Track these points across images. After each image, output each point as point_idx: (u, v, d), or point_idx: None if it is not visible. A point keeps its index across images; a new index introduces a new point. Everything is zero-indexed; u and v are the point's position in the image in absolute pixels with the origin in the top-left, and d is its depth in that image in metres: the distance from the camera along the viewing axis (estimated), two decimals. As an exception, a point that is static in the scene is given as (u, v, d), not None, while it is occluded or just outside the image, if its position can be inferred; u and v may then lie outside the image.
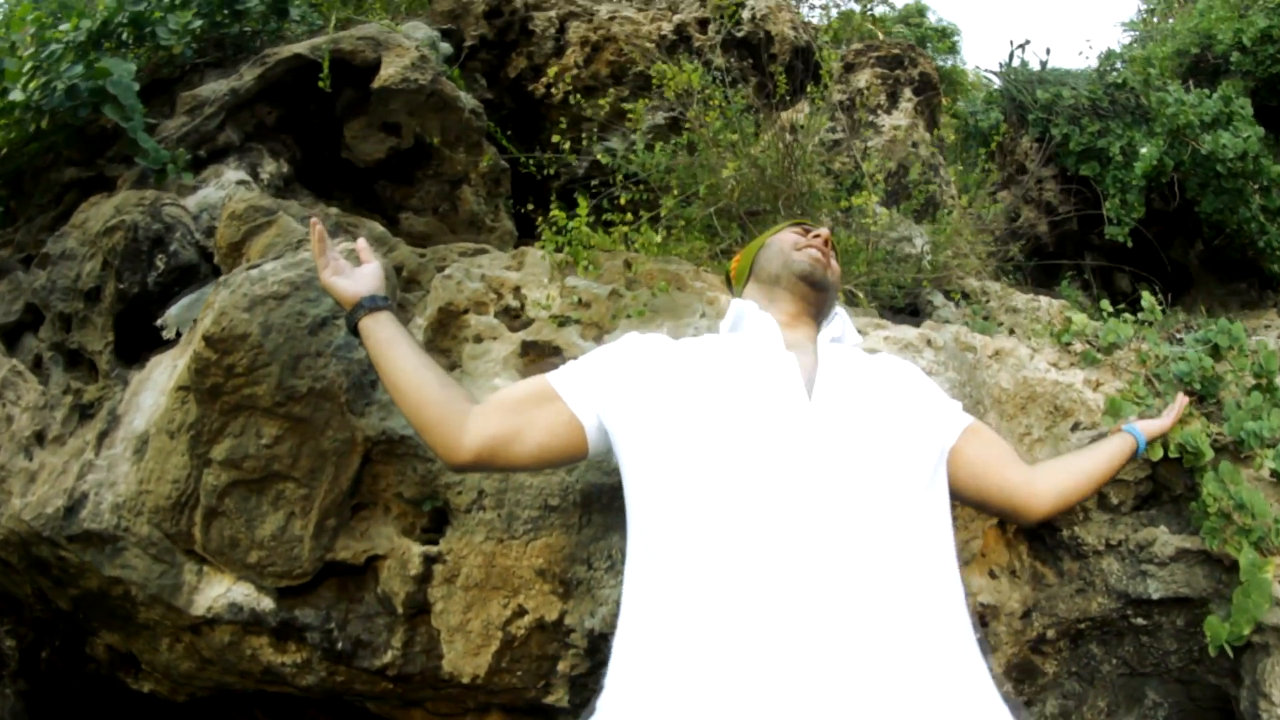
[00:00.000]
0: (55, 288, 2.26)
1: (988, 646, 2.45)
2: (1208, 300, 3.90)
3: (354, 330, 1.40)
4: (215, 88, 2.56)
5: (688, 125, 2.24)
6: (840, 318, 1.56)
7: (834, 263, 1.56)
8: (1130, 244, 3.52)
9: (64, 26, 2.70)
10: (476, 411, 1.29)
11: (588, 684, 1.69)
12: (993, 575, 2.42)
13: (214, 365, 1.63)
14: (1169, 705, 2.75)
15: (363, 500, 1.69)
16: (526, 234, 2.25)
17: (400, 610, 1.65)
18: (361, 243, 1.55)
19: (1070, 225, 3.82)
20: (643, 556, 1.15)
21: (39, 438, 2.09)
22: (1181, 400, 2.06)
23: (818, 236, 1.54)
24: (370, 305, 1.38)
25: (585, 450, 1.30)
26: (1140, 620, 2.60)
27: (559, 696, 1.69)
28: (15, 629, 2.46)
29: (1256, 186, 3.41)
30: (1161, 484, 2.53)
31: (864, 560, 1.03)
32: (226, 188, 2.26)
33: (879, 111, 3.11)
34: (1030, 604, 2.42)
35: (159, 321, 2.00)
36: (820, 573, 1.01)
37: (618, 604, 1.46)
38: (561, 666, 1.67)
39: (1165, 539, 2.34)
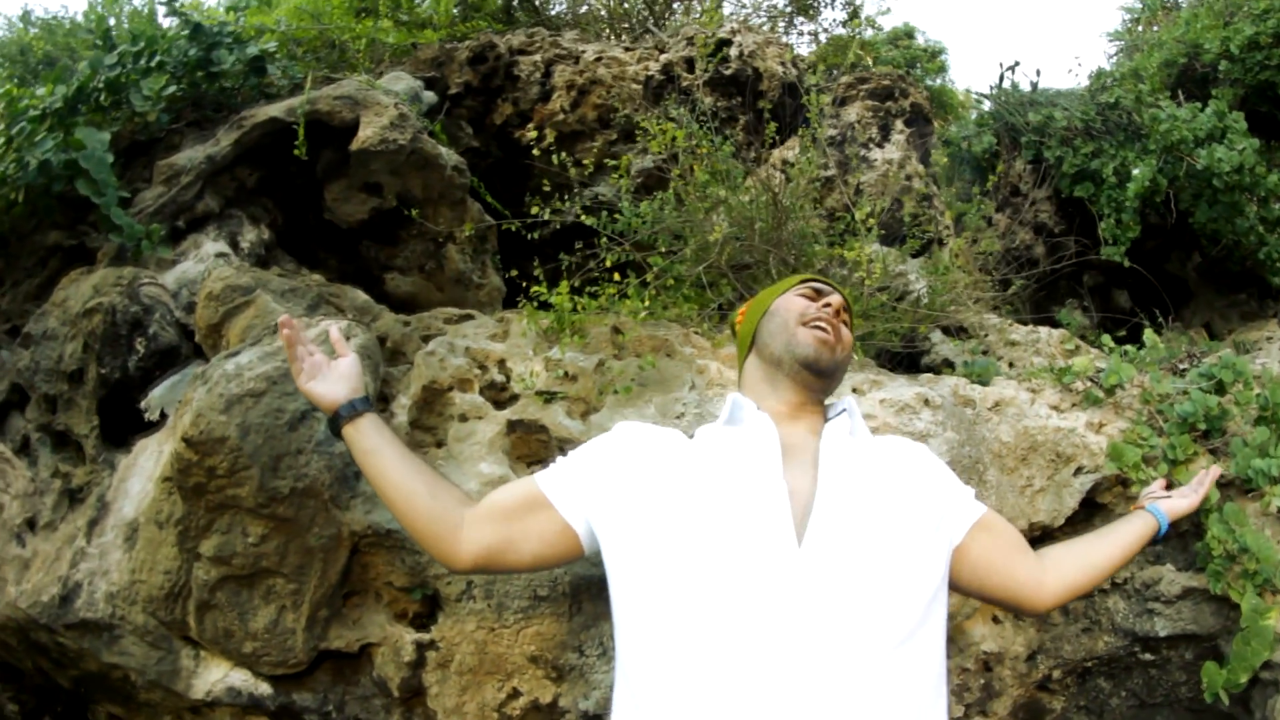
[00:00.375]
0: (39, 368, 2.26)
1: (993, 691, 2.44)
2: (1207, 312, 3.88)
3: (336, 434, 1.40)
4: (192, 155, 2.56)
5: (674, 178, 2.23)
6: (849, 401, 1.45)
7: (845, 334, 1.45)
8: (1127, 264, 3.51)
9: (40, 92, 2.71)
10: (470, 519, 1.29)
11: (585, 763, 1.69)
12: (996, 621, 2.40)
13: (195, 466, 1.62)
14: None
15: (354, 588, 1.68)
16: (517, 287, 2.25)
17: (396, 693, 1.64)
18: (334, 333, 1.54)
19: (1067, 244, 3.81)
20: (629, 669, 1.14)
21: (30, 524, 2.10)
22: (1213, 473, 1.96)
23: (828, 306, 1.43)
24: (349, 413, 1.37)
25: (580, 553, 1.29)
26: (1148, 656, 2.58)
27: (557, 775, 1.69)
28: (18, 695, 2.47)
29: (1253, 198, 3.40)
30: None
31: (843, 710, 1.02)
32: (205, 261, 2.26)
33: (870, 145, 3.11)
34: (1035, 647, 2.41)
35: (142, 404, 2.00)
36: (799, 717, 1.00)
37: (610, 688, 1.46)
38: (559, 747, 1.67)
39: (1171, 577, 2.32)
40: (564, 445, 1.78)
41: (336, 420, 1.38)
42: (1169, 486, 2.06)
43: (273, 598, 1.63)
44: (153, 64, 2.73)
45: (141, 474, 1.96)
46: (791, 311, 1.44)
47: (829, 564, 1.11)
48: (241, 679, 1.75)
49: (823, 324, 1.40)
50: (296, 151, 2.35)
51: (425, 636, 1.63)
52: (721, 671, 1.03)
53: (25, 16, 4.83)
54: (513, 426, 1.76)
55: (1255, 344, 3.28)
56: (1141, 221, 3.59)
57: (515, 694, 1.63)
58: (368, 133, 2.44)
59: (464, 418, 1.78)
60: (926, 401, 2.09)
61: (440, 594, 1.62)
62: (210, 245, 2.31)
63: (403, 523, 1.31)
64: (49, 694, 2.49)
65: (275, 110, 2.51)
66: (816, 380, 1.39)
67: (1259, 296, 3.93)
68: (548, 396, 1.78)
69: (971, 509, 1.39)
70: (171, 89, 2.62)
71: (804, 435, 1.33)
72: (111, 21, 3.93)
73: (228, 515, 1.64)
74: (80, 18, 5.09)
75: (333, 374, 1.44)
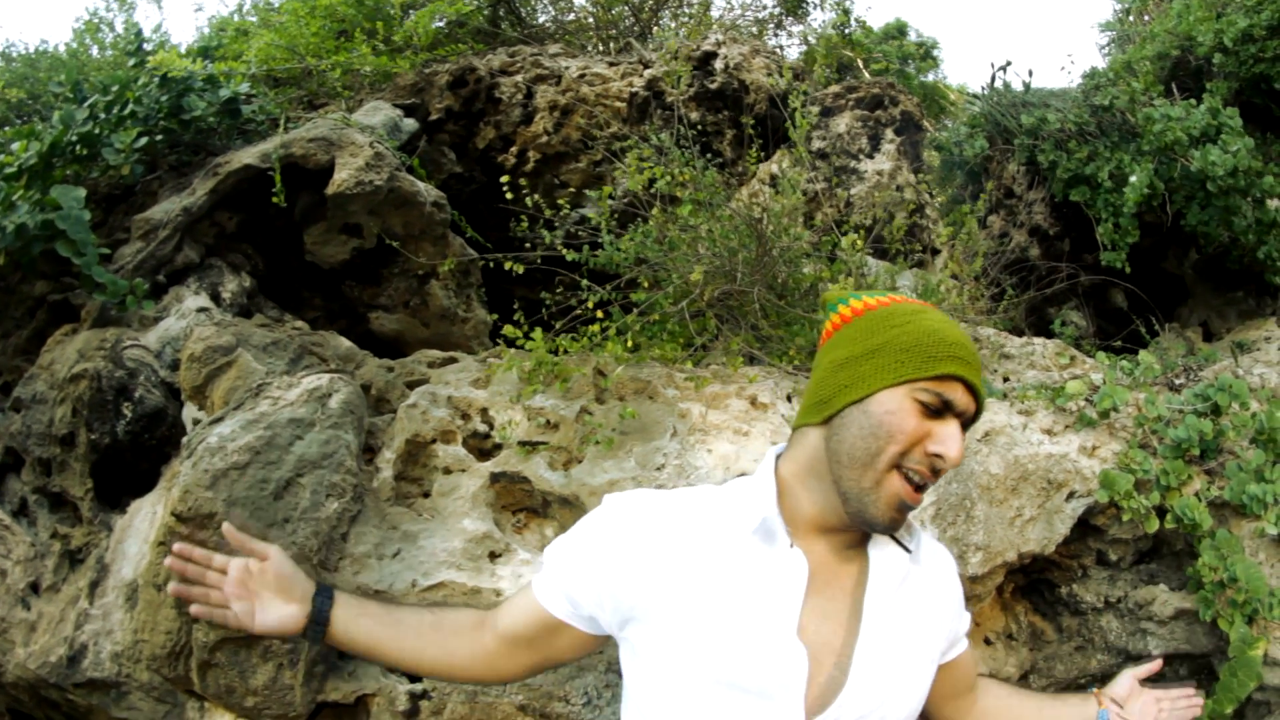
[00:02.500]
0: (31, 433, 2.38)
1: None
2: (1204, 310, 3.93)
3: (318, 642, 1.44)
4: (168, 208, 2.66)
5: (654, 216, 2.33)
6: (916, 534, 1.31)
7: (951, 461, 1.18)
8: (1129, 270, 3.58)
9: (14, 147, 2.82)
10: (502, 652, 1.37)
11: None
12: (988, 642, 2.49)
13: (186, 539, 1.74)
14: None
15: (345, 649, 1.80)
16: (505, 317, 2.35)
17: (393, 745, 1.76)
18: (240, 538, 1.49)
19: (1063, 246, 3.89)
20: None
21: (34, 588, 2.22)
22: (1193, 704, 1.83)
23: (937, 472, 1.18)
24: (319, 622, 1.40)
25: (608, 640, 1.34)
26: None
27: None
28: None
29: (1249, 199, 3.46)
30: (1161, 539, 2.59)
31: None
32: (187, 317, 2.37)
33: (860, 156, 3.19)
34: (1028, 666, 2.49)
35: None
36: None
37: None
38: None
39: (1165, 598, 2.39)
40: (546, 498, 1.89)
41: (314, 634, 1.40)
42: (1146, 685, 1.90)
43: (270, 656, 1.74)
44: (125, 113, 2.82)
45: (137, 535, 2.07)
46: (897, 433, 1.16)
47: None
48: (246, 731, 1.86)
49: (912, 499, 1.18)
50: (275, 199, 2.46)
51: (418, 687, 1.73)
52: None
53: (5, 54, 4.98)
54: (495, 478, 1.86)
55: (1254, 343, 3.34)
56: (1138, 220, 3.65)
57: (509, 743, 1.74)
58: (343, 175, 2.55)
59: (447, 470, 1.88)
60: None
61: (430, 651, 1.74)
62: (191, 300, 2.41)
63: (438, 677, 1.46)
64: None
65: (249, 157, 2.61)
66: (866, 531, 1.24)
67: (1257, 294, 3.99)
68: (529, 447, 1.88)
69: (960, 645, 1.45)
70: (144, 141, 2.72)
71: (841, 556, 1.24)
72: (83, 68, 4.07)
73: (219, 583, 1.75)
74: (62, 48, 5.25)
75: (268, 587, 1.41)
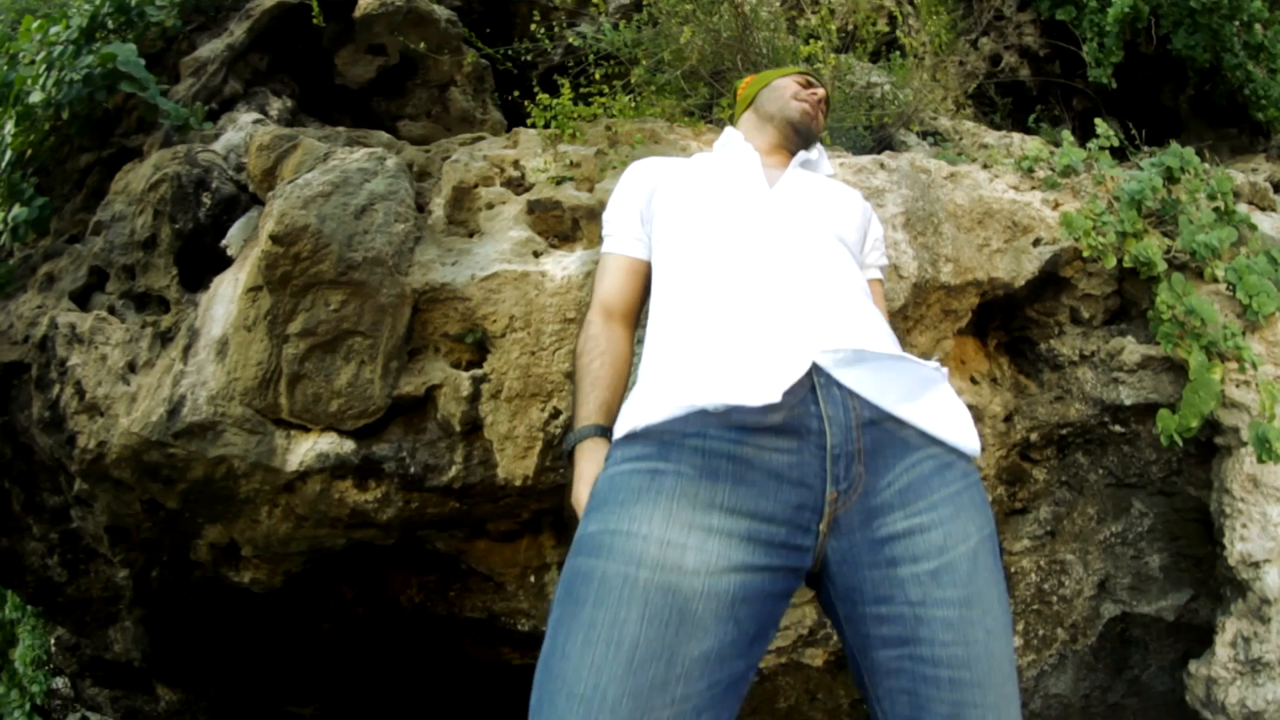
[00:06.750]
0: (114, 246, 2.98)
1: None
2: (1197, 145, 4.47)
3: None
4: (213, 47, 3.28)
5: (648, 2, 2.91)
6: (818, 149, 2.16)
7: (821, 119, 2.14)
8: (1114, 86, 4.09)
9: (55, 29, 3.43)
10: (632, 322, 1.90)
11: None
12: (974, 381, 3.08)
13: (282, 257, 2.33)
14: (1154, 516, 3.41)
15: (416, 345, 2.38)
16: (515, 124, 2.94)
17: (458, 429, 2.35)
18: None
19: (1054, 69, 4.43)
20: (662, 296, 1.78)
21: (131, 366, 2.82)
22: None
23: (814, 93, 2.12)
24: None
25: None
26: (1118, 428, 3.26)
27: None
28: (126, 556, 3.22)
29: (1238, 24, 3.95)
30: (1129, 299, 3.17)
31: (806, 269, 1.67)
32: (245, 129, 2.98)
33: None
34: (1012, 408, 3.09)
35: (223, 242, 2.71)
36: (778, 278, 1.64)
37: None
38: (596, 459, 2.38)
39: (1133, 347, 2.99)
40: (575, 217, 2.48)
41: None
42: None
43: (352, 355, 2.34)
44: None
45: (223, 300, 2.67)
46: (788, 89, 2.13)
47: (791, 199, 1.83)
48: (328, 443, 2.44)
49: (809, 103, 2.10)
50: (315, 20, 3.05)
51: (479, 372, 2.34)
52: (726, 254, 1.70)
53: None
54: (532, 206, 2.46)
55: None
56: (1131, 49, 4.17)
57: (556, 413, 2.34)
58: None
59: (490, 205, 2.49)
60: (883, 165, 2.75)
61: (488, 333, 2.33)
62: (245, 116, 3.02)
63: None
64: (154, 546, 3.23)
65: (281, -5, 3.22)
66: (795, 137, 2.07)
67: (1250, 131, 4.52)
68: (558, 180, 2.48)
69: (879, 261, 2.11)
70: (181, -6, 3.33)
71: (776, 163, 2.03)
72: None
73: (310, 294, 2.34)
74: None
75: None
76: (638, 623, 1.24)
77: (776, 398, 1.39)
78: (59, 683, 4.80)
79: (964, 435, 1.55)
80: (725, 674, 1.29)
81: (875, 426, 1.47)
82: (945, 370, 1.58)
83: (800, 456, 1.41)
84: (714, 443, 1.40)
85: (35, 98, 3.26)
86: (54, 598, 3.57)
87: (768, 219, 1.78)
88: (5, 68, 3.40)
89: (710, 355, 1.51)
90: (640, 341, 1.78)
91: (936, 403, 1.54)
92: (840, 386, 1.47)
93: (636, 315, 1.90)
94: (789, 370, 1.44)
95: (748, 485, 1.38)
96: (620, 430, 1.51)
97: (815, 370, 1.47)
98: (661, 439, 1.42)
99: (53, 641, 4.53)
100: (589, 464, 1.60)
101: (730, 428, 1.41)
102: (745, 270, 1.67)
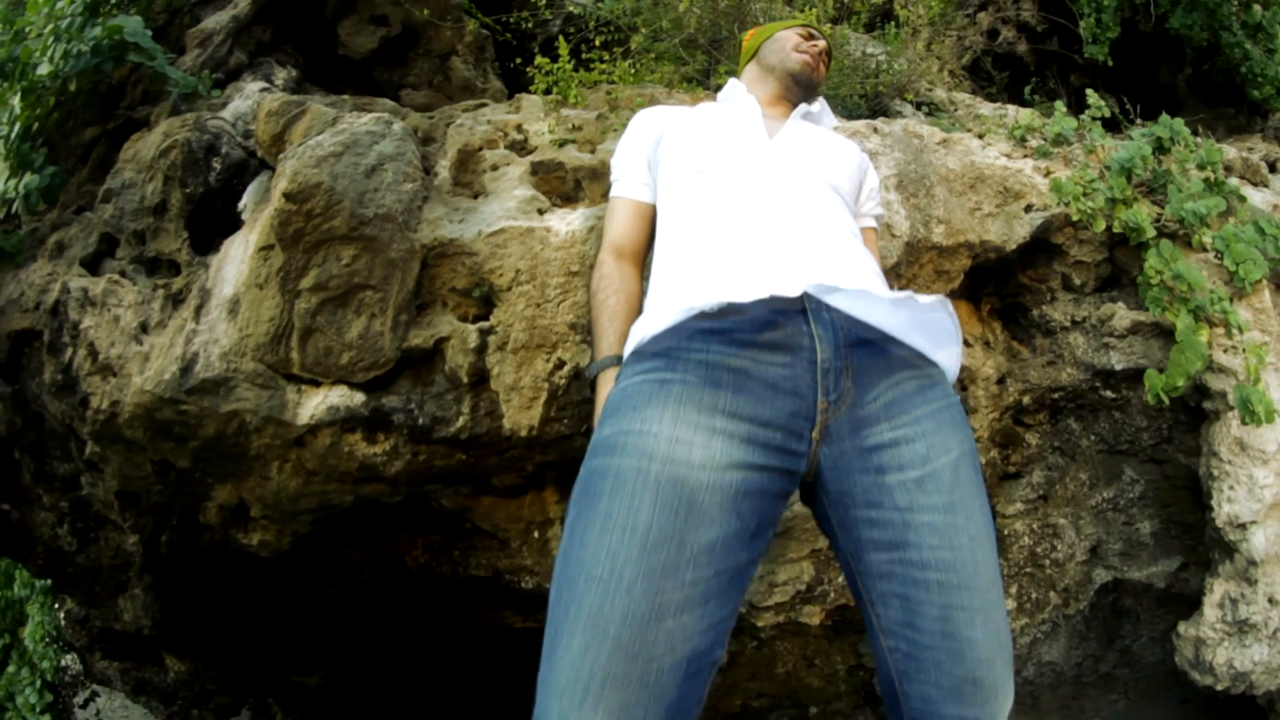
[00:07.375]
0: (124, 213, 3.08)
1: (969, 408, 3.22)
2: (1194, 124, 4.61)
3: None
4: (217, 19, 3.38)
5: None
6: (821, 102, 2.28)
7: (822, 69, 2.24)
8: (1110, 63, 4.20)
9: (61, 4, 3.53)
10: (640, 262, 2.05)
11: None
12: (967, 344, 3.19)
13: (295, 214, 2.43)
14: (1145, 482, 3.53)
15: (425, 300, 2.49)
16: (516, 94, 3.04)
17: (465, 380, 2.45)
18: None
19: (1051, 44, 4.54)
20: (666, 238, 1.91)
21: (144, 327, 2.92)
22: None
23: (815, 45, 2.22)
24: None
25: None
26: (1109, 394, 3.38)
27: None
28: (136, 521, 3.32)
29: (1236, 3, 4.05)
30: (1119, 267, 3.29)
31: (801, 214, 1.80)
32: (252, 97, 3.08)
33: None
34: (1004, 371, 3.21)
35: (239, 205, 2.81)
36: (774, 222, 1.76)
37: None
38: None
39: (1123, 313, 3.11)
40: (578, 178, 2.59)
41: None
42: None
43: (363, 309, 2.44)
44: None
45: (234, 260, 2.77)
46: (789, 41, 2.23)
47: (790, 148, 1.96)
48: (339, 395, 2.54)
49: (810, 55, 2.21)
50: (320, -10, 3.17)
51: (485, 324, 2.45)
52: (728, 193, 1.84)
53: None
54: (536, 167, 2.56)
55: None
56: (1129, 26, 4.28)
57: (560, 364, 2.45)
58: (372, -29, 3.26)
59: (494, 166, 2.59)
60: (876, 130, 2.86)
61: (494, 286, 2.43)
62: (252, 85, 3.12)
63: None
64: (164, 510, 3.34)
65: (286, -34, 3.33)
66: (796, 88, 2.19)
67: (1248, 112, 4.65)
68: (561, 142, 2.59)
69: (875, 211, 2.22)
70: (189, -36, 3.43)
71: (777, 114, 2.16)
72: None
73: (323, 250, 2.45)
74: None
75: None
76: (650, 509, 1.37)
77: (766, 294, 1.55)
78: (69, 659, 4.92)
79: (945, 356, 1.67)
80: (730, 563, 1.41)
81: (862, 347, 1.60)
82: (941, 299, 1.68)
83: (793, 370, 1.53)
84: (716, 356, 1.53)
85: (43, 70, 3.36)
86: (64, 568, 3.66)
87: (765, 169, 1.90)
88: (11, 42, 3.50)
89: (708, 273, 1.66)
90: (647, 279, 1.89)
91: (921, 326, 1.65)
92: (830, 309, 1.59)
93: (644, 256, 2.03)
94: (781, 286, 1.59)
95: (747, 393, 1.50)
96: (629, 347, 1.64)
97: (806, 298, 1.60)
98: (669, 354, 1.55)
99: (62, 616, 4.65)
100: (609, 389, 1.71)
101: (730, 343, 1.53)
102: (743, 215, 1.80)
